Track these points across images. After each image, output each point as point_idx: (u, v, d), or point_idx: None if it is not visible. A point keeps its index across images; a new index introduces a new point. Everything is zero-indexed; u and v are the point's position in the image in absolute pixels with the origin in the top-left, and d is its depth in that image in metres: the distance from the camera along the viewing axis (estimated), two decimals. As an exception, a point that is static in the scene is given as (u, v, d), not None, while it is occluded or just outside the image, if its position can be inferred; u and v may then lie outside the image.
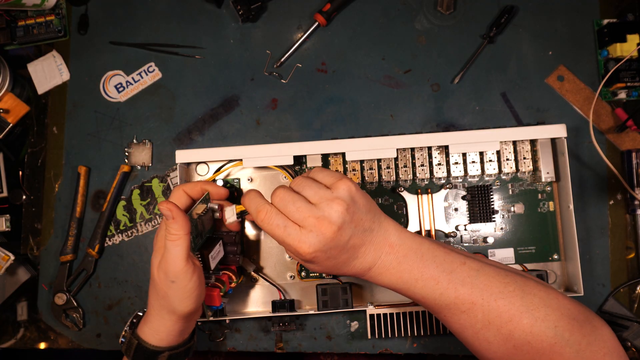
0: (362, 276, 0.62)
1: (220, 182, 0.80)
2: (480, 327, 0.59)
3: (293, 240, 0.57)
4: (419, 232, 0.80)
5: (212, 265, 0.68)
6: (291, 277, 0.81)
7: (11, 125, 0.86)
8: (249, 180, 0.82)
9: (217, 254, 0.70)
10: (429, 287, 0.60)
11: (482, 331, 0.59)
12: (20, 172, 0.88)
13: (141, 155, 0.86)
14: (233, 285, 0.75)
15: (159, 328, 0.66)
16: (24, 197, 0.87)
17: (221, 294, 0.72)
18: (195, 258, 0.65)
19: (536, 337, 0.57)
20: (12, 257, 0.81)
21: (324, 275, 0.80)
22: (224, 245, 0.72)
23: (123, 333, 0.71)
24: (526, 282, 0.60)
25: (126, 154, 0.86)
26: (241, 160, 0.79)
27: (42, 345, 0.84)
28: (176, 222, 0.61)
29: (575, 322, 0.58)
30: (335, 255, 0.59)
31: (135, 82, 0.87)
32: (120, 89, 0.87)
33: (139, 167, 0.86)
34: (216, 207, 0.69)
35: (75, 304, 0.83)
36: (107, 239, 0.85)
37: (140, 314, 0.71)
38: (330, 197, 0.58)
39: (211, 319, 0.77)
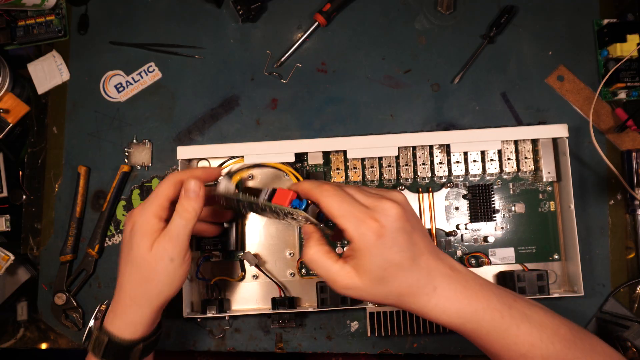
0: (427, 302, 0.54)
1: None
2: None
3: (361, 211, 0.53)
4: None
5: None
6: (291, 274, 0.81)
7: (11, 125, 0.86)
8: (250, 177, 0.82)
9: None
10: (496, 320, 0.54)
11: None
12: (20, 172, 0.88)
13: (141, 155, 0.86)
14: None
15: (134, 319, 0.61)
16: (24, 197, 0.86)
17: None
18: None
19: None
20: (12, 257, 0.80)
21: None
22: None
23: (87, 331, 0.65)
24: (578, 329, 0.57)
25: (126, 154, 0.86)
26: (242, 157, 0.79)
27: (43, 345, 0.84)
28: (198, 202, 0.61)
29: None
30: (401, 244, 0.52)
31: (135, 82, 0.87)
32: (120, 89, 0.87)
33: (139, 167, 0.86)
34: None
35: (75, 304, 0.83)
36: (107, 239, 0.85)
37: (104, 307, 0.66)
38: (388, 194, 0.55)
39: (211, 315, 0.77)
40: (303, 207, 0.58)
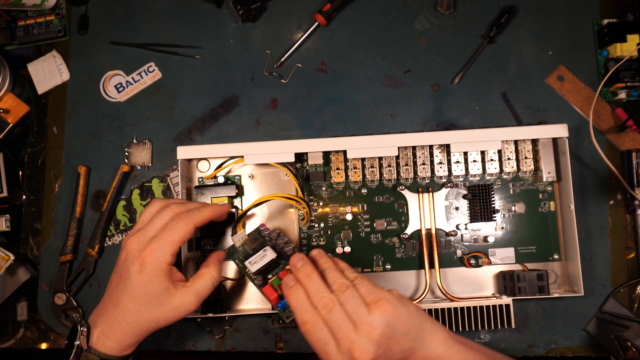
0: None
1: (221, 179, 0.80)
2: None
3: (329, 357, 0.59)
4: (419, 231, 0.80)
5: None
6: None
7: (11, 125, 0.86)
8: (250, 177, 0.82)
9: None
10: None
11: None
12: (20, 172, 0.88)
13: (141, 155, 0.86)
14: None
15: (130, 343, 0.65)
16: (24, 197, 0.86)
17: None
18: None
19: None
20: (12, 257, 0.80)
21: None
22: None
23: (75, 350, 0.63)
24: None
25: (126, 154, 0.86)
26: (242, 157, 0.79)
27: (43, 346, 0.84)
28: (220, 268, 0.70)
29: None
30: None
31: (135, 82, 0.87)
32: (120, 89, 0.87)
33: (138, 167, 0.86)
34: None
35: (75, 304, 0.83)
36: (107, 239, 0.85)
37: (83, 328, 0.64)
38: (368, 322, 0.58)
39: (211, 315, 0.77)
40: (287, 307, 0.68)
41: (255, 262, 0.70)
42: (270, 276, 0.71)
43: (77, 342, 0.63)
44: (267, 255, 0.70)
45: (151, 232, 0.64)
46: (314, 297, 0.61)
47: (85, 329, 0.64)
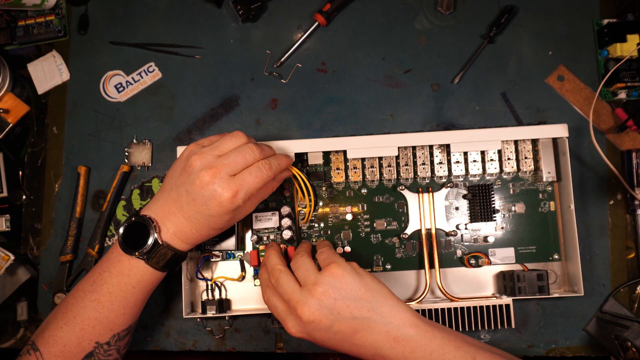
0: None
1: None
2: None
3: (282, 320, 0.63)
4: (419, 231, 0.80)
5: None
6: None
7: (11, 125, 0.86)
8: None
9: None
10: None
11: None
12: (20, 172, 0.88)
13: (141, 155, 0.86)
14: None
15: (195, 243, 0.69)
16: (24, 197, 0.86)
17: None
18: None
19: None
20: (12, 257, 0.80)
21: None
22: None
23: (153, 243, 0.66)
24: None
25: (126, 154, 0.86)
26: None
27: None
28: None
29: None
30: (324, 336, 0.61)
31: (135, 82, 0.87)
32: (120, 89, 0.87)
33: (138, 167, 0.86)
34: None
35: (75, 304, 0.83)
36: (107, 239, 0.85)
37: (152, 221, 0.67)
38: (312, 281, 0.61)
39: (211, 315, 0.77)
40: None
41: (260, 220, 0.79)
42: (265, 239, 0.81)
43: (154, 237, 0.66)
44: (272, 221, 0.79)
45: (230, 169, 0.65)
46: (269, 272, 0.66)
47: (157, 226, 0.67)
